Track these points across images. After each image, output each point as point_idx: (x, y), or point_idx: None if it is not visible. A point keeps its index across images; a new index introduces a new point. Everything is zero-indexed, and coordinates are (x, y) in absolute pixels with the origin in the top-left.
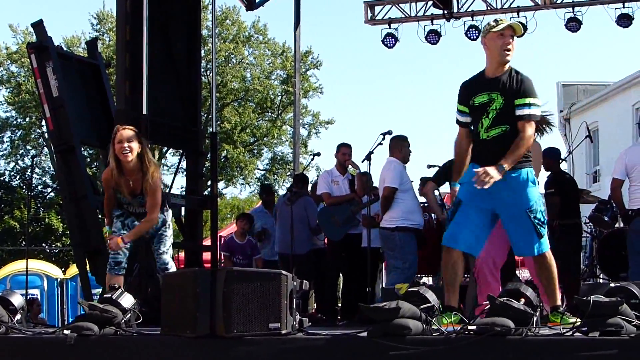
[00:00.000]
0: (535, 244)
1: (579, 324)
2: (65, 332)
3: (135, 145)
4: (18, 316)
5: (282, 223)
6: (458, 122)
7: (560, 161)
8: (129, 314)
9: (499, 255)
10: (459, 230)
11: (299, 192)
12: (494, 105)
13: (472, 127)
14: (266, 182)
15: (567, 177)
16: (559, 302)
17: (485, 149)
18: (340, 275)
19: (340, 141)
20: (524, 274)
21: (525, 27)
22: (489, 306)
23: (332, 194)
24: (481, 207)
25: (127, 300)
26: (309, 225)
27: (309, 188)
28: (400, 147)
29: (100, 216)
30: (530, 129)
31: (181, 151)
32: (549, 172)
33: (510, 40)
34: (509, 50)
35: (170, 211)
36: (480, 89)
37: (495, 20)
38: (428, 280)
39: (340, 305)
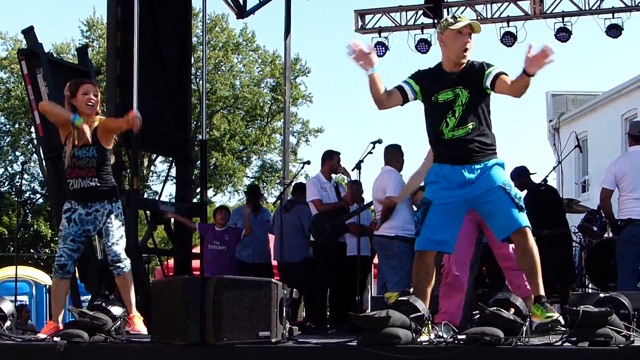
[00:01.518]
0: (515, 216)
1: (568, 334)
2: (55, 339)
3: (97, 99)
4: (8, 323)
5: (278, 231)
6: (401, 88)
7: (531, 174)
8: (119, 321)
9: (468, 255)
10: (431, 231)
11: (294, 201)
12: (459, 101)
13: (428, 124)
14: (254, 184)
15: (542, 189)
16: (542, 292)
17: (452, 148)
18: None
19: (329, 149)
20: None
21: (515, 37)
22: (478, 315)
23: (322, 201)
24: (452, 203)
25: (117, 308)
26: (304, 233)
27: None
28: (398, 157)
29: None
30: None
31: (171, 158)
32: (525, 191)
33: (469, 39)
34: (466, 50)
35: (119, 202)
36: (442, 85)
37: (454, 17)
38: None
39: (328, 314)
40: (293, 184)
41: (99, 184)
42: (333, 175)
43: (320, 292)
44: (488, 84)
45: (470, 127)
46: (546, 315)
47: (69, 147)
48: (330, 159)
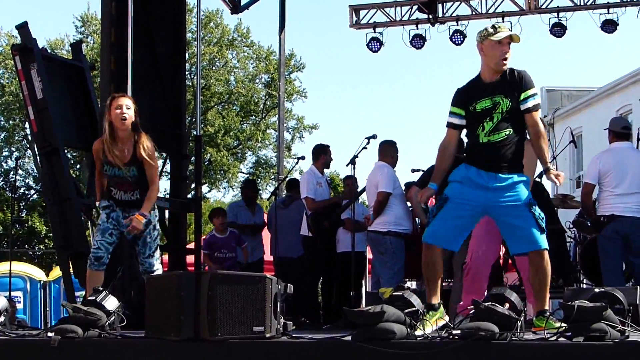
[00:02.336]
0: (535, 238)
1: (563, 329)
2: (49, 334)
3: (131, 113)
4: (1, 318)
5: (274, 227)
6: (451, 124)
7: None
8: (113, 317)
9: (492, 252)
10: (440, 226)
11: (293, 197)
12: (499, 109)
13: (466, 131)
14: (250, 178)
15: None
16: (547, 307)
17: (484, 152)
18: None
19: (315, 144)
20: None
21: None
22: (473, 310)
23: (316, 198)
24: (470, 204)
25: (111, 303)
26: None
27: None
28: (392, 152)
29: (83, 218)
30: (539, 118)
31: (165, 154)
32: None
33: (508, 49)
34: (506, 59)
35: (156, 211)
36: (481, 94)
37: (494, 27)
38: (412, 284)
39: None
40: (288, 179)
41: (139, 197)
42: (325, 170)
43: (310, 288)
44: (522, 108)
45: (507, 133)
46: (553, 327)
47: (107, 164)
48: (325, 153)
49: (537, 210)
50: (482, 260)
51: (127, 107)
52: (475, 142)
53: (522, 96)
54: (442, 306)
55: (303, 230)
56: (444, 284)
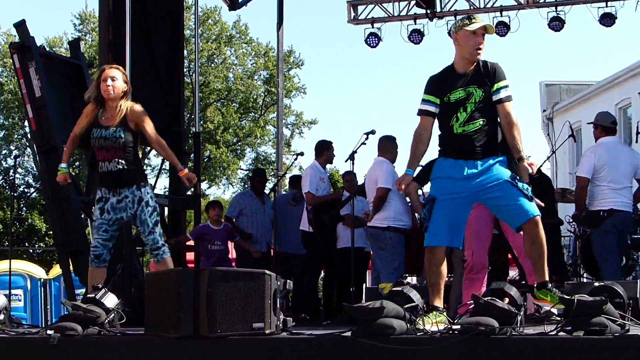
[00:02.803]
0: (526, 207)
1: (563, 323)
2: (49, 332)
3: (118, 84)
4: (1, 316)
5: (283, 223)
6: (425, 112)
7: None
8: (113, 314)
9: (486, 238)
10: (438, 226)
11: (301, 194)
12: (472, 99)
13: (439, 123)
14: (260, 167)
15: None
16: (547, 278)
17: (459, 143)
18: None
19: (318, 140)
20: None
21: (508, 27)
22: (473, 306)
23: (317, 193)
24: (457, 197)
25: (111, 300)
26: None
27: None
28: (391, 148)
29: (83, 216)
30: (513, 109)
31: None
32: None
33: (483, 40)
34: (480, 49)
35: (148, 187)
36: (454, 84)
37: (469, 18)
38: (412, 279)
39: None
40: (291, 176)
41: (125, 167)
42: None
43: (310, 284)
44: (494, 99)
45: (481, 122)
46: (557, 300)
47: (95, 127)
48: (327, 149)
49: (520, 183)
50: (479, 252)
51: (112, 79)
52: (449, 133)
53: (495, 87)
54: (445, 312)
55: (303, 226)
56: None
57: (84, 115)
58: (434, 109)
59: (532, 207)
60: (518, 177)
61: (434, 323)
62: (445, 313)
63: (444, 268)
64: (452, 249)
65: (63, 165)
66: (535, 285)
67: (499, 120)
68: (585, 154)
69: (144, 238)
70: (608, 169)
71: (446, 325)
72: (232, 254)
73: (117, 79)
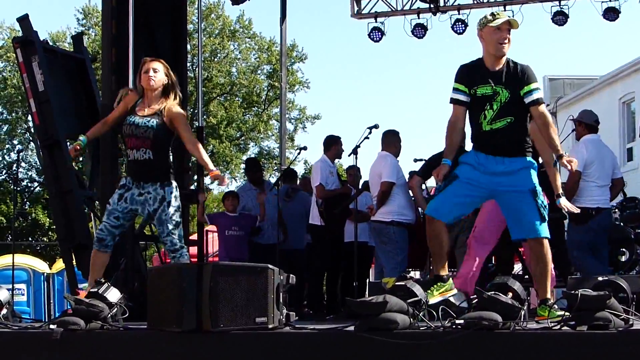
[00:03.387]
0: (536, 226)
1: (566, 317)
2: (52, 326)
3: (160, 76)
4: (4, 311)
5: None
6: (456, 100)
7: None
8: (115, 309)
9: (490, 235)
10: (444, 202)
11: (296, 188)
12: (499, 98)
13: (469, 118)
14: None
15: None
16: (548, 295)
17: (488, 140)
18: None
19: (326, 135)
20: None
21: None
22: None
23: (327, 186)
24: (477, 187)
25: (114, 295)
26: (307, 220)
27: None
28: (395, 142)
29: (87, 210)
30: (544, 109)
31: None
32: None
33: (507, 34)
34: (505, 44)
35: (173, 186)
36: (482, 80)
37: (492, 14)
38: (415, 274)
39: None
40: (284, 170)
41: (151, 157)
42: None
43: (316, 279)
44: (526, 101)
45: (508, 121)
46: (556, 316)
47: (130, 114)
48: (336, 144)
49: (541, 199)
50: (480, 238)
51: (154, 70)
52: (479, 129)
53: (526, 89)
54: (451, 279)
55: (314, 219)
56: (449, 273)
57: (123, 103)
58: (464, 97)
59: (542, 228)
60: (540, 192)
61: (438, 294)
62: (450, 281)
63: (445, 237)
64: (456, 244)
65: (82, 137)
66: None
67: (528, 120)
68: (576, 149)
69: (162, 238)
70: (596, 166)
71: (452, 294)
72: None
73: (158, 70)
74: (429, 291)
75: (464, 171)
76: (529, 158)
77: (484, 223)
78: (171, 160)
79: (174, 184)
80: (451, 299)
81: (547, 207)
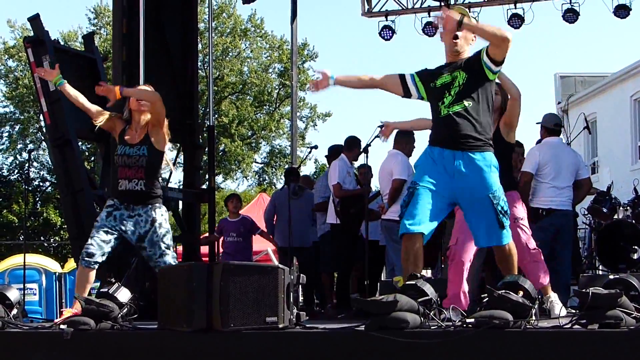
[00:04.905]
0: (496, 234)
1: (578, 316)
2: (62, 326)
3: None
4: (14, 311)
5: (285, 217)
6: (400, 75)
7: None
8: (126, 308)
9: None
10: (417, 213)
11: (302, 186)
12: (457, 82)
13: (430, 110)
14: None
15: None
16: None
17: (446, 126)
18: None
19: (337, 133)
20: None
21: (522, 19)
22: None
23: (344, 186)
24: (437, 192)
25: (124, 295)
26: (314, 218)
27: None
28: (406, 141)
29: (98, 209)
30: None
31: (178, 145)
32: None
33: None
34: (456, 38)
35: (163, 209)
36: (443, 72)
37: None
38: (427, 272)
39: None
40: (287, 168)
41: (144, 188)
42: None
43: (344, 278)
44: (486, 60)
45: (466, 104)
46: None
47: (120, 143)
48: (357, 147)
49: (501, 204)
50: (464, 247)
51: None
52: (437, 116)
53: (481, 53)
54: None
55: (330, 219)
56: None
57: (108, 116)
58: (411, 83)
59: (503, 235)
60: (499, 195)
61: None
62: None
63: (421, 258)
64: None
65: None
66: None
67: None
68: (530, 151)
69: (154, 262)
70: (550, 167)
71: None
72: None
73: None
74: None
75: (422, 177)
76: (489, 154)
77: (464, 233)
78: (161, 183)
79: (164, 207)
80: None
81: (507, 211)
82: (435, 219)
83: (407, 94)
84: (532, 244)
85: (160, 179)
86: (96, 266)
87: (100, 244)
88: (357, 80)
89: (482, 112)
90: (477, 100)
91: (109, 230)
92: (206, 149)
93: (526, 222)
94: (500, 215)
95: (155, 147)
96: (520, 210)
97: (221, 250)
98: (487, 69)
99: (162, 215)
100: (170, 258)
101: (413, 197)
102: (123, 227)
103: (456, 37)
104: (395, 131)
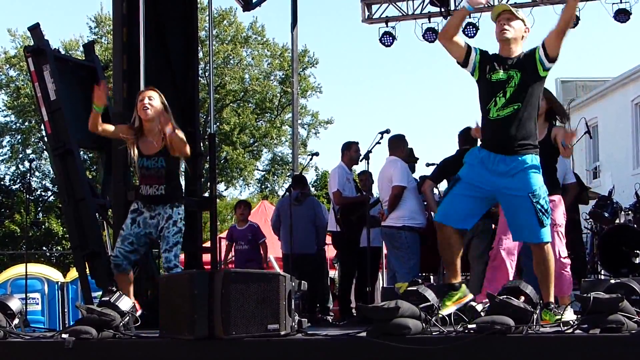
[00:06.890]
0: (535, 231)
1: (579, 321)
2: (64, 335)
3: (156, 104)
4: (16, 320)
5: (287, 224)
6: (468, 46)
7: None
8: (127, 317)
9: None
10: (452, 206)
11: (305, 193)
12: (512, 82)
13: (480, 105)
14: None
15: None
16: (551, 299)
17: (495, 130)
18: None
19: (338, 140)
20: None
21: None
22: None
23: (344, 193)
24: (480, 188)
25: (126, 303)
26: (316, 225)
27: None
28: (402, 146)
29: (100, 218)
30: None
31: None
32: None
33: (506, 22)
34: (503, 31)
35: (181, 208)
36: (499, 66)
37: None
38: (430, 278)
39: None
40: (294, 175)
41: (164, 192)
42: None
43: (345, 285)
44: (541, 53)
45: (516, 107)
46: (555, 319)
47: (134, 156)
48: (348, 150)
49: (541, 202)
50: (509, 250)
51: (149, 98)
52: (486, 117)
53: (536, 50)
54: (463, 285)
55: (331, 226)
56: (462, 280)
57: (118, 128)
58: (473, 57)
59: (542, 232)
60: (540, 194)
61: (451, 303)
62: (463, 287)
63: (456, 244)
64: (470, 247)
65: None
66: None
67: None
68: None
69: (160, 252)
70: None
71: (467, 301)
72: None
73: (154, 98)
74: (442, 303)
75: (467, 173)
76: (532, 156)
77: (507, 234)
78: (182, 183)
79: (182, 207)
80: (472, 303)
81: (548, 210)
82: (470, 211)
83: (465, 64)
84: (564, 252)
85: (178, 176)
86: (128, 269)
87: (126, 254)
88: (457, 28)
89: (530, 116)
90: (526, 104)
91: (134, 240)
92: (207, 157)
93: (563, 230)
94: (540, 214)
95: (172, 156)
96: (560, 217)
97: (231, 255)
98: (539, 64)
99: (178, 214)
100: (173, 255)
101: (452, 188)
102: (147, 230)
103: (505, 30)
104: (387, 137)
